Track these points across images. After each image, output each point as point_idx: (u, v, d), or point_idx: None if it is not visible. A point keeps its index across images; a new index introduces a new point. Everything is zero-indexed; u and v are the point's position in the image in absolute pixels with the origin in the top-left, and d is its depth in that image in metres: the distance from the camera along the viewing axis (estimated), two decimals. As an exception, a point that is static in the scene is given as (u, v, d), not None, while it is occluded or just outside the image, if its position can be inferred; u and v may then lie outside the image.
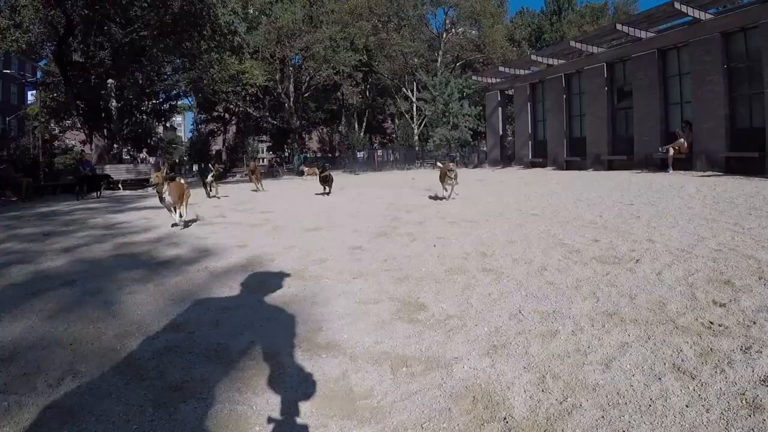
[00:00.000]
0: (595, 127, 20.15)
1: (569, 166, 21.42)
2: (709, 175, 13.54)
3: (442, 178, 10.94)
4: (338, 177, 25.03)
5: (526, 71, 25.35)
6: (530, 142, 24.37)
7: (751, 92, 14.36)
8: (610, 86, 19.71)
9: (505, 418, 2.28)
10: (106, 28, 22.49)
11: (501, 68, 26.56)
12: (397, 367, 2.85)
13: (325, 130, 62.11)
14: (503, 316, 3.62)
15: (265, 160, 64.16)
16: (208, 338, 3.36)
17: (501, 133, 27.60)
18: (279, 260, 5.51)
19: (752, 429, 2.12)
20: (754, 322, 3.18)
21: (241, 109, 47.98)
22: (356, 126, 53.12)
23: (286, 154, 49.62)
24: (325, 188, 13.97)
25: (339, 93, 47.25)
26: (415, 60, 45.39)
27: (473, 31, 48.67)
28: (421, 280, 4.58)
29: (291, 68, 44.30)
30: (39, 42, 23.98)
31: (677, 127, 16.60)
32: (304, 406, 2.44)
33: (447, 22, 46.90)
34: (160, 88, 39.98)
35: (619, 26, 18.29)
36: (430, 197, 11.66)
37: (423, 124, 44.52)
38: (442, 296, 4.11)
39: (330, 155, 50.51)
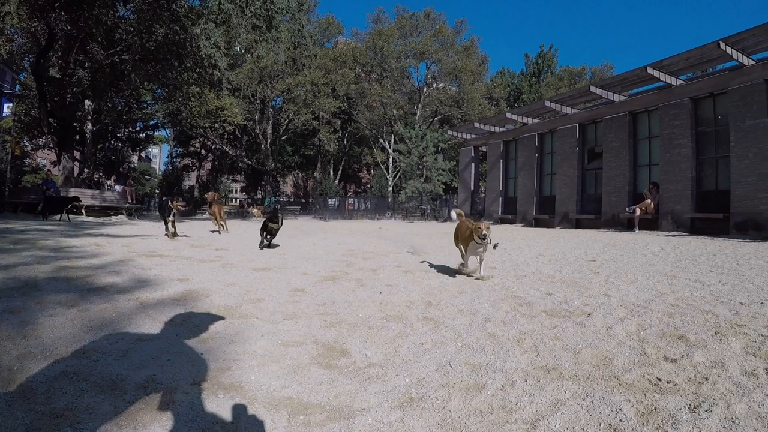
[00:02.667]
0: (565, 186, 20.65)
1: (538, 223, 21.76)
2: (674, 235, 13.89)
3: (464, 241, 7.32)
4: (307, 223, 24.98)
5: (501, 129, 26.02)
6: (501, 199, 24.64)
7: (718, 156, 15.09)
8: (581, 147, 20.32)
9: None
10: (88, 47, 22.36)
11: (476, 124, 27.18)
12: (294, 414, 2.66)
13: (300, 174, 62.20)
14: (430, 367, 3.43)
15: (237, 200, 63.86)
16: (110, 368, 3.15)
17: (473, 188, 27.95)
18: (215, 296, 5.29)
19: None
20: (707, 379, 3.08)
21: (217, 146, 47.89)
22: (331, 173, 53.22)
23: (259, 196, 49.35)
24: (263, 238, 10.46)
25: (316, 138, 47.38)
26: (395, 111, 45.97)
27: (453, 87, 49.52)
28: (354, 325, 4.40)
29: (271, 109, 44.52)
30: (20, 53, 23.78)
31: (645, 188, 17.18)
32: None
33: (428, 76, 47.88)
34: (138, 116, 40.08)
35: (593, 88, 18.98)
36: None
37: (398, 176, 44.71)
38: (370, 343, 3.93)
39: (303, 200, 50.32)
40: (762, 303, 4.83)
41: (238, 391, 2.92)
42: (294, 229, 18.20)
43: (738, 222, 13.78)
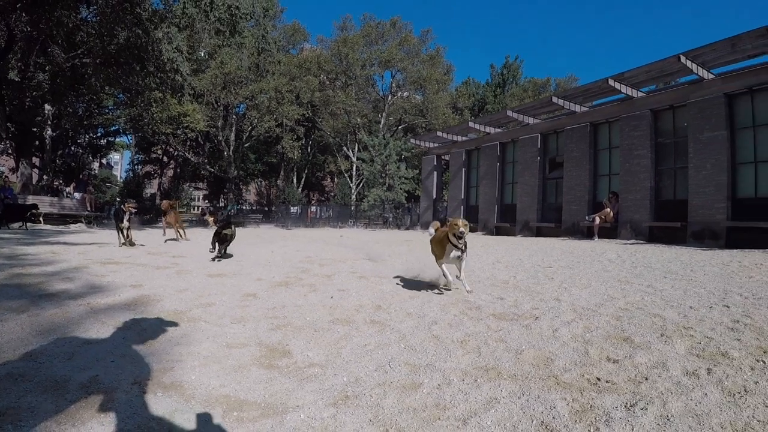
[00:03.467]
0: (526, 194, 20.92)
1: (499, 231, 21.98)
2: (632, 243, 14.11)
3: (438, 244, 6.40)
4: (269, 231, 24.80)
5: (464, 138, 26.15)
6: (462, 207, 24.84)
7: (676, 166, 15.43)
8: (542, 156, 20.60)
9: None
10: (49, 49, 21.94)
11: (439, 133, 27.24)
12: (229, 411, 2.74)
13: (263, 182, 61.73)
14: (369, 367, 3.52)
15: (200, 208, 63.16)
16: (54, 370, 3.21)
17: (435, 196, 28.06)
18: (166, 301, 5.34)
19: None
20: (646, 378, 3.14)
21: (179, 153, 47.33)
22: (295, 181, 52.98)
23: (222, 204, 48.94)
24: (215, 247, 9.65)
25: (280, 146, 47.12)
26: (359, 119, 45.98)
27: (418, 96, 49.73)
28: (300, 328, 4.48)
29: (234, 116, 44.17)
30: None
31: (605, 197, 17.43)
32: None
33: (393, 84, 47.89)
34: (99, 121, 39.33)
35: (555, 99, 19.24)
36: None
37: (361, 184, 44.72)
38: (313, 345, 4.01)
39: (266, 209, 49.94)
40: (711, 307, 4.94)
41: (177, 389, 2.99)
42: (255, 237, 18.14)
43: (695, 231, 14.10)
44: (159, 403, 2.78)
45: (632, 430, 2.51)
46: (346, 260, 10.01)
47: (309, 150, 52.36)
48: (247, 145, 46.75)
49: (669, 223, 14.99)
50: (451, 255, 6.02)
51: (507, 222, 21.76)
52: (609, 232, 16.61)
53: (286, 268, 8.56)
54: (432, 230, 7.12)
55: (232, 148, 44.42)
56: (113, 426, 2.49)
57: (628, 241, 14.83)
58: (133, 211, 11.84)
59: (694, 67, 14.45)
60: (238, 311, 5.08)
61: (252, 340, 4.07)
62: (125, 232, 11.66)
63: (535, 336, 4.19)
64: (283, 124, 43.54)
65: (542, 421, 2.65)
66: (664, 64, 14.96)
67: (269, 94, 41.36)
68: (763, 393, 2.82)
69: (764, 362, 3.29)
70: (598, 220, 16.57)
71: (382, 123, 46.86)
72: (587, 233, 17.37)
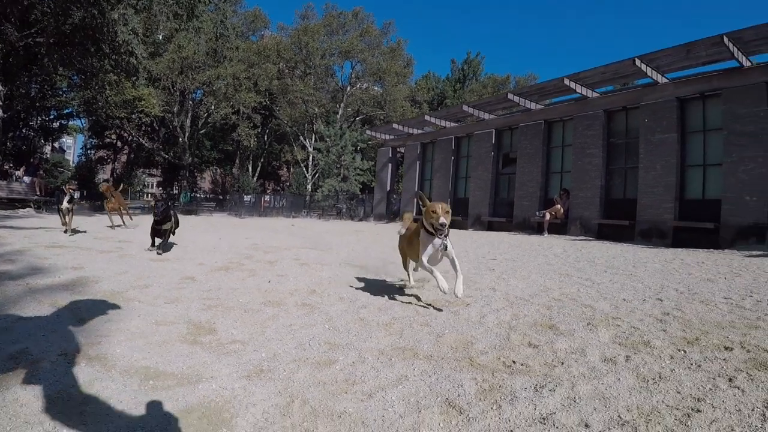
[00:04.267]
0: (479, 189, 21.25)
1: (451, 224, 22.20)
2: (581, 239, 14.44)
3: (409, 240, 5.42)
4: (221, 219, 24.60)
5: (420, 131, 26.29)
6: (416, 199, 25.01)
7: (627, 166, 15.90)
8: (496, 152, 20.98)
9: None
10: (1, 27, 21.37)
11: (396, 126, 27.35)
12: (146, 380, 2.87)
13: (218, 170, 61.01)
14: (289, 345, 3.63)
15: (151, 195, 62.12)
16: (-13, 344, 3.31)
17: (389, 188, 28.33)
18: (105, 283, 5.44)
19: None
20: (562, 363, 3.23)
21: (133, 138, 46.55)
22: (250, 170, 52.58)
23: (176, 191, 48.32)
24: (153, 243, 8.69)
25: (235, 134, 46.63)
26: (316, 109, 45.82)
27: (377, 88, 49.72)
28: (230, 309, 4.60)
29: (190, 102, 43.57)
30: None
31: (556, 193, 17.84)
32: (35, 405, 2.46)
33: (353, 75, 47.79)
34: (52, 103, 38.30)
35: (511, 96, 19.52)
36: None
37: (317, 175, 44.62)
38: (239, 324, 4.13)
39: (221, 197, 49.42)
40: (644, 300, 5.10)
41: (101, 361, 3.12)
42: (206, 224, 18.10)
43: (643, 229, 14.53)
44: (81, 372, 2.91)
45: (535, 409, 2.58)
46: (292, 248, 10.11)
47: (265, 139, 51.90)
48: (202, 131, 46.20)
49: (618, 221, 15.39)
50: (430, 252, 4.81)
51: (459, 215, 21.97)
52: (559, 228, 16.97)
53: (230, 254, 8.66)
54: (403, 230, 5.88)
55: (187, 134, 43.82)
56: (36, 391, 2.61)
57: (577, 238, 15.15)
58: (74, 192, 11.45)
59: (649, 70, 14.84)
60: (174, 293, 5.19)
61: (181, 319, 4.19)
62: (65, 216, 11.13)
63: (461, 321, 4.31)
64: (239, 112, 43.09)
65: (447, 398, 2.74)
66: (619, 66, 15.34)
67: (227, 80, 40.88)
68: (678, 380, 2.93)
69: (685, 352, 3.42)
70: (548, 215, 16.95)
71: (339, 114, 46.74)
72: (537, 228, 17.71)
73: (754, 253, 10.42)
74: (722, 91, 13.48)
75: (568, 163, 17.82)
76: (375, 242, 12.73)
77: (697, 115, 14.35)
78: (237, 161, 53.28)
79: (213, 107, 43.20)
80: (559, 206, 17.23)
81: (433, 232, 4.72)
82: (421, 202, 5.01)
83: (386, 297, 5.32)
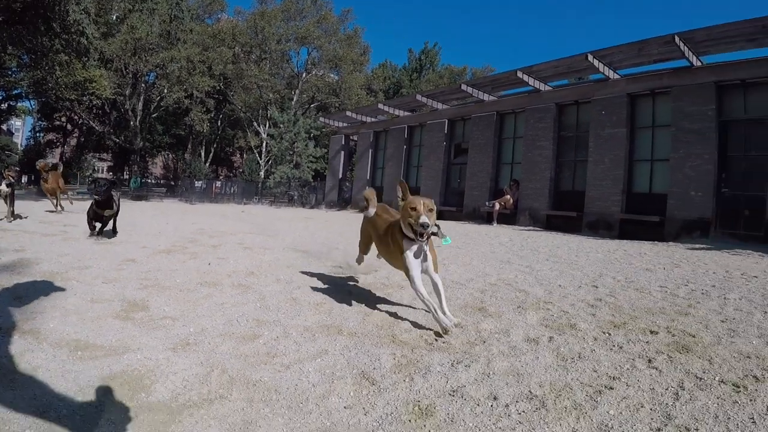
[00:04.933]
0: (431, 178, 21.46)
1: (403, 213, 22.37)
2: (529, 230, 14.66)
3: (382, 243, 4.40)
4: (172, 205, 24.25)
5: (373, 119, 26.41)
6: (367, 188, 25.08)
7: (576, 159, 16.22)
8: (448, 142, 21.20)
9: (139, 399, 2.47)
10: (-51, 5, 20.62)
11: (349, 113, 27.43)
12: (74, 351, 3.00)
13: (170, 156, 60.06)
14: (218, 321, 3.76)
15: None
16: None
17: (341, 176, 28.45)
18: (45, 264, 5.49)
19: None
20: (484, 342, 3.36)
21: (84, 121, 45.51)
22: (203, 155, 51.94)
23: (126, 177, 47.43)
24: (92, 229, 8.06)
25: (188, 118, 45.99)
26: (271, 95, 45.47)
27: (333, 75, 49.60)
28: (167, 288, 4.71)
29: (143, 84, 42.81)
30: None
31: (506, 184, 18.12)
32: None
33: (309, 62, 47.56)
34: (0, 84, 37.25)
35: (464, 87, 19.70)
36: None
37: (270, 162, 44.39)
38: (173, 302, 4.25)
39: (173, 183, 48.67)
40: (580, 287, 5.26)
41: (34, 334, 3.25)
42: (155, 210, 17.88)
43: (590, 221, 14.92)
44: (14, 345, 3.04)
45: (447, 382, 2.71)
46: (238, 233, 10.12)
47: (219, 124, 51.32)
48: (155, 115, 45.47)
49: (566, 213, 15.73)
50: (412, 258, 3.87)
51: (410, 204, 22.22)
52: (508, 218, 17.23)
53: (174, 238, 8.64)
54: (372, 210, 4.77)
55: (139, 118, 43.07)
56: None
57: (526, 228, 15.36)
58: (13, 179, 11.04)
59: (601, 66, 15.19)
60: (113, 273, 5.26)
61: (117, 297, 4.29)
62: (6, 200, 10.57)
63: (392, 303, 4.48)
64: (193, 96, 42.52)
65: (362, 371, 2.88)
66: (572, 61, 15.68)
67: (180, 63, 40.33)
68: (596, 360, 3.04)
69: (609, 334, 3.54)
70: (497, 206, 17.18)
71: (294, 100, 46.51)
72: (487, 218, 17.93)
73: (697, 246, 10.69)
74: (672, 89, 13.91)
75: (519, 154, 18.11)
76: (323, 229, 12.84)
77: (646, 111, 14.79)
78: (189, 146, 52.54)
79: (166, 91, 42.49)
80: (508, 197, 17.50)
81: (411, 235, 3.76)
82: (400, 195, 3.96)
83: (324, 280, 5.45)
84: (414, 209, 3.68)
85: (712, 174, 12.74)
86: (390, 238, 4.15)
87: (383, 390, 2.64)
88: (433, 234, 3.90)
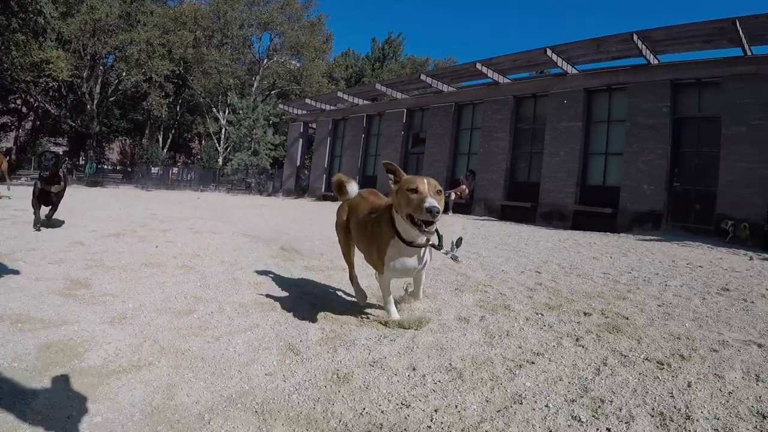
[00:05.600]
0: (387, 167, 21.53)
1: (354, 204, 22.57)
2: (483, 219, 14.98)
3: (362, 239, 3.60)
4: (127, 191, 23.88)
5: (333, 107, 26.56)
6: (325, 176, 25.26)
7: (532, 151, 16.67)
8: (406, 131, 21.41)
9: (72, 365, 2.63)
10: None
11: (308, 101, 27.50)
12: (15, 323, 3.14)
13: (128, 141, 59.00)
14: (157, 298, 3.93)
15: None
16: None
17: (299, 164, 28.51)
18: (-9, 246, 5.55)
19: (327, 396, 2.37)
20: (418, 320, 3.45)
21: (40, 104, 44.46)
22: (160, 141, 51.20)
23: (81, 162, 46.50)
24: (37, 209, 7.13)
25: (147, 103, 45.32)
26: (231, 81, 45.05)
27: (294, 62, 49.37)
28: (111, 268, 4.84)
29: (101, 67, 42.01)
30: None
31: (462, 174, 18.48)
32: None
33: (270, 48, 47.21)
34: (-47, 63, 36.17)
35: (424, 77, 19.95)
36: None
37: (229, 149, 44.04)
38: (116, 281, 4.40)
39: (130, 169, 47.82)
40: (523, 272, 5.49)
41: None
42: (109, 196, 17.62)
43: (545, 212, 15.36)
44: None
45: (369, 354, 2.85)
46: (190, 219, 10.10)
47: (177, 109, 50.45)
48: (112, 99, 44.51)
49: (521, 203, 16.14)
50: (401, 264, 3.22)
51: (366, 193, 22.38)
52: (464, 208, 17.49)
53: (125, 222, 8.64)
54: (354, 187, 3.76)
55: (96, 101, 42.17)
56: None
57: (480, 218, 15.69)
58: None
59: (560, 61, 15.57)
60: (60, 255, 5.36)
61: (61, 276, 4.42)
62: None
63: (334, 282, 4.74)
64: (152, 80, 41.77)
65: (289, 343, 3.04)
66: (531, 55, 16.04)
67: (140, 45, 39.61)
68: (523, 337, 3.17)
69: (542, 315, 3.69)
70: (453, 195, 17.30)
71: (255, 86, 46.11)
72: (444, 208, 18.27)
73: (647, 237, 11.09)
74: (628, 86, 14.40)
75: (476, 145, 18.48)
76: (277, 216, 12.98)
77: (602, 106, 15.28)
78: (147, 132, 51.75)
79: (124, 74, 41.72)
80: (464, 187, 17.78)
81: (417, 226, 2.84)
82: (392, 176, 3.22)
83: (268, 263, 5.58)
84: (414, 191, 2.85)
85: (665, 168, 13.27)
86: (372, 227, 3.36)
87: (306, 360, 2.80)
88: (434, 247, 3.31)
